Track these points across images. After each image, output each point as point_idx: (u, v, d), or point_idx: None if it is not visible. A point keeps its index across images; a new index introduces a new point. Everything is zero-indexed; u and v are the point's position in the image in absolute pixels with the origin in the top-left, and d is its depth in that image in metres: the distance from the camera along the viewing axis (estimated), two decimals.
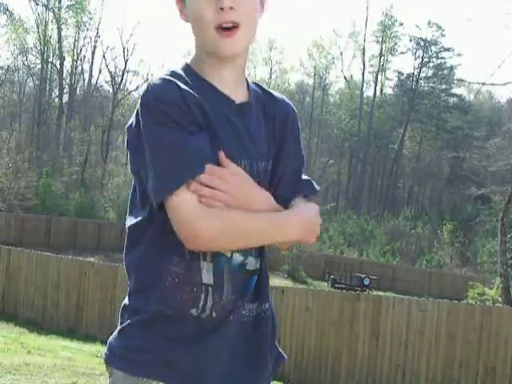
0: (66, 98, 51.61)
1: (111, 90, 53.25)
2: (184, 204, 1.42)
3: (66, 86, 52.05)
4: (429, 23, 61.45)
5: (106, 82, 55.37)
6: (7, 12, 49.30)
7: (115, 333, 1.56)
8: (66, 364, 7.59)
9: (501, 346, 9.45)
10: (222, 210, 1.44)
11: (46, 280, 13.88)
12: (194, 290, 1.49)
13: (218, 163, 1.48)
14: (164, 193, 1.42)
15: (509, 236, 22.36)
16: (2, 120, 50.98)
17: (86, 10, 49.94)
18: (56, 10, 48.61)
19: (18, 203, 33.10)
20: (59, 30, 49.08)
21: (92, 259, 21.70)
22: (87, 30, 51.09)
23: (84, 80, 54.69)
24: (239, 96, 1.60)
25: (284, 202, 1.58)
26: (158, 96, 1.45)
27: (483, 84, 23.65)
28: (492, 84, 22.80)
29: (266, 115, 1.64)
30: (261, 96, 1.66)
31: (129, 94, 53.68)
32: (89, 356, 9.23)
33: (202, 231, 1.42)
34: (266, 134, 1.62)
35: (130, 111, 54.83)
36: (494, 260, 27.87)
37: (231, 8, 1.50)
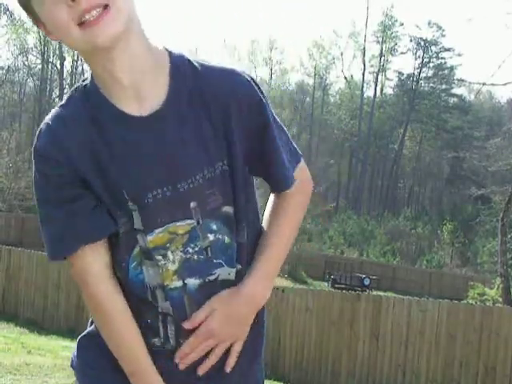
0: None
1: None
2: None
3: (67, 86, 52.03)
4: (429, 23, 61.47)
5: None
6: (7, 12, 49.30)
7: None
8: (66, 364, 7.57)
9: (501, 346, 9.45)
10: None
11: (47, 280, 13.88)
12: (149, 321, 1.42)
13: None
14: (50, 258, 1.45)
15: (509, 236, 22.35)
16: (3, 120, 50.96)
17: None
18: None
19: (18, 203, 33.08)
20: None
21: None
22: None
23: None
24: (150, 99, 1.32)
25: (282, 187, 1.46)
26: (36, 149, 1.34)
27: (483, 84, 23.65)
28: (492, 84, 22.81)
29: (196, 104, 1.34)
30: (188, 79, 1.34)
31: None
32: None
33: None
34: (204, 131, 1.34)
35: None
36: (495, 260, 27.87)
37: None
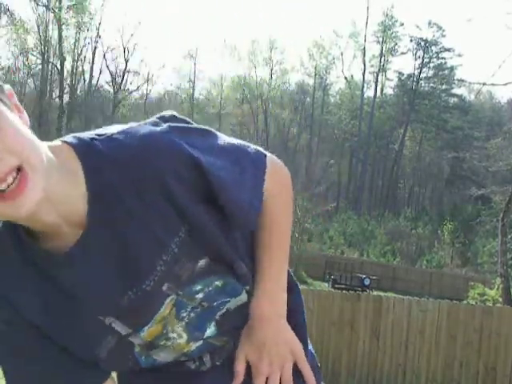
0: (66, 98, 51.63)
1: (112, 91, 53.30)
2: None
3: (67, 87, 52.06)
4: (429, 23, 61.49)
5: (107, 83, 55.40)
6: (8, 12, 49.30)
7: None
8: None
9: (501, 346, 9.46)
10: None
11: None
12: None
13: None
14: None
15: (509, 236, 22.36)
16: None
17: (87, 10, 49.97)
18: (56, 11, 48.62)
19: None
20: (60, 30, 49.10)
21: None
22: (88, 30, 51.13)
23: (85, 80, 54.72)
24: (72, 225, 1.15)
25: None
26: None
27: (484, 84, 23.65)
28: (492, 84, 22.79)
29: (129, 197, 1.16)
30: (108, 175, 1.15)
31: (129, 94, 53.73)
32: None
33: None
34: (151, 218, 1.18)
35: (130, 111, 54.87)
36: (495, 260, 27.86)
37: None
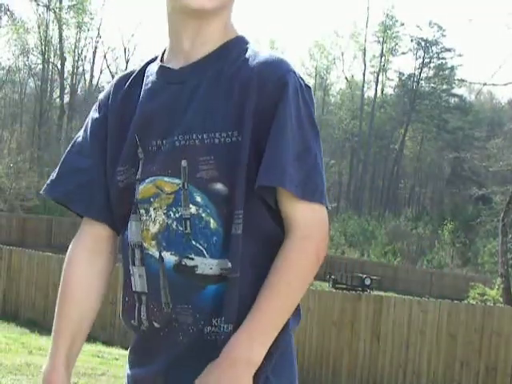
0: (67, 98, 51.62)
1: None
2: None
3: (67, 87, 52.06)
4: (430, 23, 61.43)
5: (107, 83, 55.36)
6: (8, 12, 49.32)
7: None
8: None
9: (502, 346, 9.45)
10: None
11: (47, 280, 13.88)
12: (127, 299, 1.40)
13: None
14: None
15: (510, 236, 22.34)
16: (3, 120, 50.98)
17: (87, 10, 49.96)
18: (57, 11, 48.62)
19: (19, 204, 33.10)
20: (60, 30, 49.10)
21: None
22: (88, 30, 51.12)
23: (85, 80, 54.72)
24: (195, 57, 1.36)
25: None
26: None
27: (484, 84, 23.67)
28: (493, 84, 22.86)
29: (223, 79, 1.33)
30: (229, 57, 1.36)
31: None
32: (90, 356, 9.22)
33: None
34: (218, 99, 1.30)
35: None
36: (495, 260, 27.86)
37: None
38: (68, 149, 1.48)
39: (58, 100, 51.65)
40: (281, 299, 1.26)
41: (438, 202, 62.52)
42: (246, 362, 1.22)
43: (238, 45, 1.37)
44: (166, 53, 1.42)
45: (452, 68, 62.73)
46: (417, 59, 62.88)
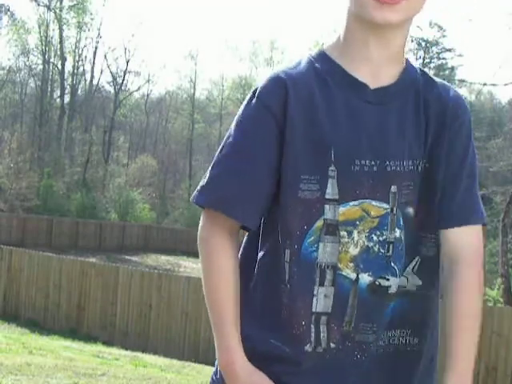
0: (67, 98, 51.64)
1: (113, 91, 53.29)
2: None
3: (68, 87, 52.08)
4: (430, 24, 61.46)
5: (108, 83, 55.36)
6: (8, 13, 49.36)
7: None
8: (67, 364, 7.58)
9: (502, 346, 9.45)
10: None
11: (48, 280, 13.89)
12: (295, 323, 1.31)
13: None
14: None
15: (510, 236, 22.33)
16: (4, 121, 51.01)
17: (88, 10, 49.99)
18: (57, 11, 48.66)
19: (19, 204, 33.15)
20: (61, 30, 49.12)
21: (93, 260, 21.74)
22: (89, 30, 51.14)
23: (85, 80, 54.72)
24: (383, 79, 1.36)
25: (446, 221, 1.34)
26: (262, 87, 1.38)
27: (484, 84, 23.65)
28: (493, 84, 22.79)
29: (419, 104, 1.37)
30: (418, 81, 1.40)
31: (130, 94, 53.72)
32: (90, 356, 9.23)
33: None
34: (416, 127, 1.35)
35: (131, 112, 54.91)
36: (496, 260, 27.84)
37: None
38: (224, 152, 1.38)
39: (58, 100, 51.67)
40: (473, 343, 1.36)
41: None
42: None
43: (413, 67, 1.44)
44: (342, 56, 1.39)
45: (452, 68, 62.76)
46: (417, 59, 62.85)
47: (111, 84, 53.70)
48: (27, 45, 50.55)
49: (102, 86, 55.66)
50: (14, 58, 51.67)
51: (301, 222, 1.31)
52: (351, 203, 1.30)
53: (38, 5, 48.87)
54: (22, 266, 14.38)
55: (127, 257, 30.46)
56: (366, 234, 1.31)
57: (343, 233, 1.30)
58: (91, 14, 50.51)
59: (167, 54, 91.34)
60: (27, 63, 52.02)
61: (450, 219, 1.33)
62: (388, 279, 1.32)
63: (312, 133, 1.31)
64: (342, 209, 1.30)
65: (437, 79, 1.43)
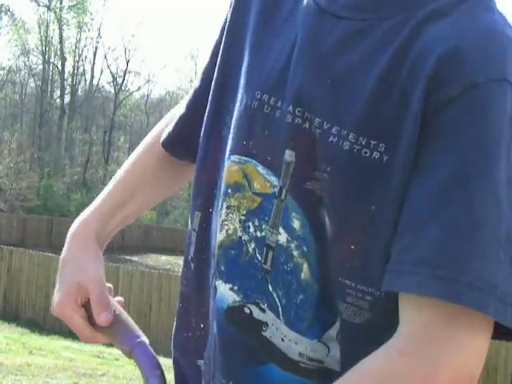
0: (67, 98, 51.66)
1: (113, 91, 53.30)
2: None
3: (68, 87, 52.10)
4: None
5: (108, 83, 55.38)
6: (8, 13, 49.39)
7: None
8: (67, 364, 7.59)
9: (502, 346, 9.44)
10: None
11: (48, 280, 13.88)
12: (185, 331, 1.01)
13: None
14: None
15: None
16: (4, 121, 51.03)
17: (88, 10, 50.03)
18: (57, 11, 48.69)
19: (19, 204, 33.15)
20: (61, 30, 49.15)
21: None
22: (89, 30, 51.17)
23: (85, 81, 54.72)
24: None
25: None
26: None
27: None
28: None
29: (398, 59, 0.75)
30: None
31: (130, 94, 53.74)
32: (90, 356, 9.24)
33: None
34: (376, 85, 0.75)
35: (131, 112, 54.88)
36: None
37: None
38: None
39: (58, 100, 51.69)
40: None
41: None
42: None
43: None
44: None
45: None
46: None
47: (111, 84, 53.74)
48: (27, 45, 50.60)
49: (102, 86, 55.71)
50: (14, 58, 51.73)
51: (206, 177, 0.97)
52: (232, 158, 0.84)
53: (38, 5, 48.91)
54: (22, 266, 14.38)
55: (127, 257, 30.45)
56: (242, 217, 0.81)
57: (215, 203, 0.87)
58: (91, 14, 50.58)
59: (167, 54, 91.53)
60: (27, 63, 52.06)
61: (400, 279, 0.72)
62: (264, 311, 0.78)
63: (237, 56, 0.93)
64: (226, 163, 0.85)
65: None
